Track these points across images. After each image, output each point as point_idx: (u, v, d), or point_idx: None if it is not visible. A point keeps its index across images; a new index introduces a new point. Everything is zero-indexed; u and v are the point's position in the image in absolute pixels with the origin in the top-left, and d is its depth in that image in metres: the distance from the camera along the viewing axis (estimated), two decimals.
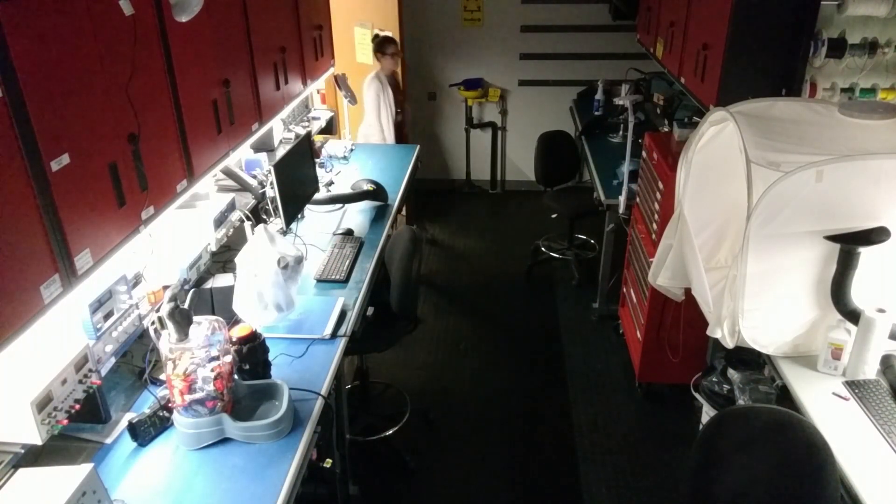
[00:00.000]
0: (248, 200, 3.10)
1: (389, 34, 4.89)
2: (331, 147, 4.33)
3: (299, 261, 2.57)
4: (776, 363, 2.28)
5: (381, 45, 4.80)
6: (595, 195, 4.16)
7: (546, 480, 3.13)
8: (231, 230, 2.74)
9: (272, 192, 3.05)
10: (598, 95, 5.40)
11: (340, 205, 3.63)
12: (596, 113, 5.36)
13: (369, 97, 4.80)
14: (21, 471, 1.60)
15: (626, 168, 3.74)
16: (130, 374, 2.21)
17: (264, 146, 3.65)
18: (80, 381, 1.79)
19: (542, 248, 5.17)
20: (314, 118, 4.50)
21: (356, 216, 3.56)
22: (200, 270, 2.51)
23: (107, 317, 1.96)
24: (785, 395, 2.24)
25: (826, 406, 2.07)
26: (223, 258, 2.72)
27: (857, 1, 2.63)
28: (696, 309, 2.52)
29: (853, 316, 2.12)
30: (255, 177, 3.26)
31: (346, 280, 2.92)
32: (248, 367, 2.15)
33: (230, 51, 2.59)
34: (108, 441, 1.98)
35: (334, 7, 4.24)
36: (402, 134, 5.14)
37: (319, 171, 3.86)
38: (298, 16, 3.43)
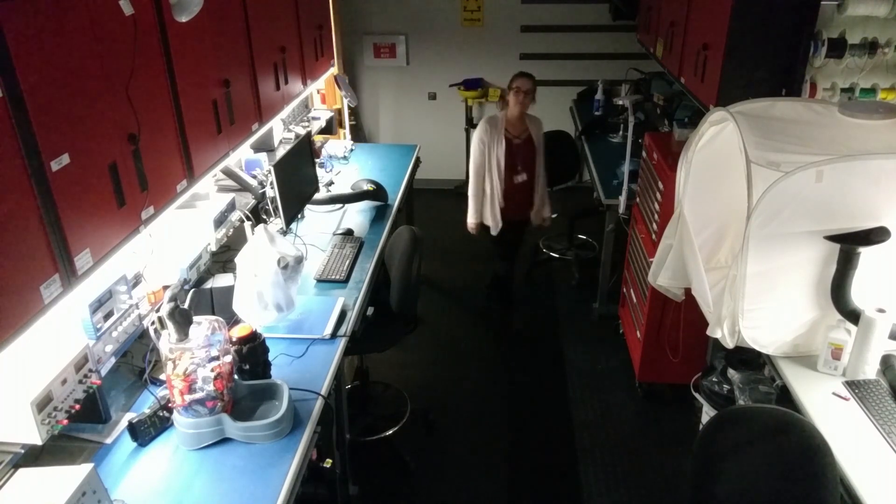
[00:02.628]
0: (248, 200, 3.10)
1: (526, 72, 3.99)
2: (331, 147, 4.33)
3: (299, 261, 2.57)
4: (776, 363, 2.28)
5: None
6: (595, 195, 4.16)
7: (546, 480, 3.13)
8: (231, 230, 2.74)
9: (272, 192, 3.05)
10: (598, 95, 5.40)
11: (340, 205, 3.64)
12: (596, 113, 5.36)
13: (472, 144, 3.95)
14: (21, 471, 1.60)
15: (626, 168, 3.74)
16: (130, 374, 2.21)
17: (264, 146, 3.65)
18: (80, 381, 1.79)
19: (543, 248, 5.17)
20: (314, 118, 4.50)
21: (356, 216, 3.56)
22: (200, 270, 2.51)
23: (107, 317, 1.96)
24: (785, 395, 2.24)
25: (826, 406, 2.06)
26: (223, 258, 2.72)
27: (857, 1, 2.64)
28: (696, 309, 2.52)
29: (853, 316, 2.12)
30: (255, 177, 3.26)
31: (346, 280, 2.92)
32: (248, 367, 2.15)
33: (230, 51, 2.59)
34: (108, 441, 1.98)
35: None
36: (518, 203, 4.03)
37: (319, 171, 3.86)
38: (298, 16, 3.43)
